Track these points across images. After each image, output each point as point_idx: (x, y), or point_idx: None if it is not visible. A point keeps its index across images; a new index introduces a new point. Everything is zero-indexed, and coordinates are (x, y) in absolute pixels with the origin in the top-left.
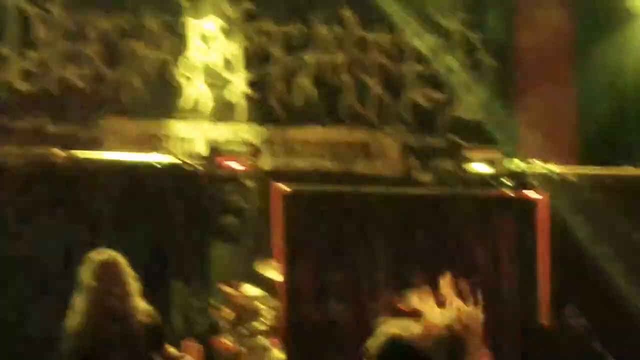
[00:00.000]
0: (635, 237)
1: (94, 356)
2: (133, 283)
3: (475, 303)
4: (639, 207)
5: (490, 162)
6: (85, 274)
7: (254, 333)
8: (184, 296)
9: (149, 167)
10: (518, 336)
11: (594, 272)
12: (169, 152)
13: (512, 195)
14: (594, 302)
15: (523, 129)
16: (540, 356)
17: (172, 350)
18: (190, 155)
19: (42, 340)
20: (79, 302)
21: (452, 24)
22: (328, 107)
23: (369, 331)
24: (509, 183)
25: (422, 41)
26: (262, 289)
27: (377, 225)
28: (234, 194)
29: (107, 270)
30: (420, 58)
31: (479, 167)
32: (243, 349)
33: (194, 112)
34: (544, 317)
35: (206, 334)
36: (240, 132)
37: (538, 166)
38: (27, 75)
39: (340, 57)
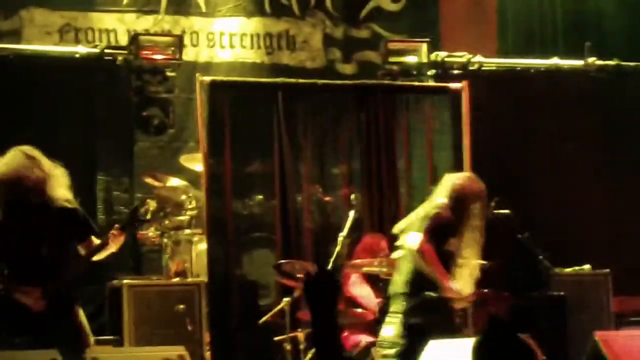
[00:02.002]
0: (557, 127)
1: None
2: (54, 171)
3: None
4: (560, 96)
5: (412, 53)
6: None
7: (178, 225)
8: (108, 189)
9: (70, 59)
10: None
11: (518, 164)
12: (91, 44)
13: (434, 85)
14: (518, 193)
15: (445, 20)
16: None
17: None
18: (113, 47)
19: None
20: None
21: None
22: None
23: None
24: (431, 74)
25: None
26: (186, 180)
27: (300, 117)
28: (157, 85)
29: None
30: None
31: (401, 57)
32: (167, 241)
33: (115, 3)
34: None
35: (130, 227)
36: (162, 23)
37: (460, 57)
38: None
39: None
